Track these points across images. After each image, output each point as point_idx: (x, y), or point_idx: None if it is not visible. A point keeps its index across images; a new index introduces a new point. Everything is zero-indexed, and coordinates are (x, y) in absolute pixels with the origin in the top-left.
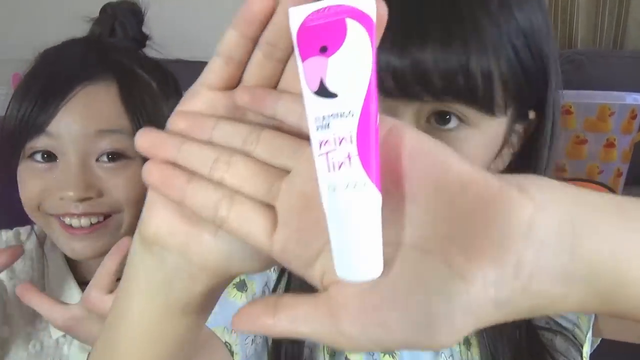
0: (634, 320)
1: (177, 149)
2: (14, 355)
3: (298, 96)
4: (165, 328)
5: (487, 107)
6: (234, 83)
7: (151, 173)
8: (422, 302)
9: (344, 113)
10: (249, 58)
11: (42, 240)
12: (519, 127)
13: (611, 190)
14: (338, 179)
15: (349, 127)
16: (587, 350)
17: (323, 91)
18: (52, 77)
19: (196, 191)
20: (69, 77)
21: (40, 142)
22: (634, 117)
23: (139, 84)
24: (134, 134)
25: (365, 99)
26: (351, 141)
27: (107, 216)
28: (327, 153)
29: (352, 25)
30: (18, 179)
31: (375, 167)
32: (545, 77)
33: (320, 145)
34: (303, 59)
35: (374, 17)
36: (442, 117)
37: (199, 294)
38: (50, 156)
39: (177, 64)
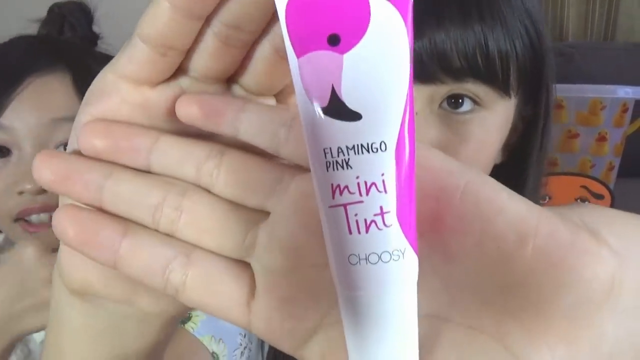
0: None
1: (99, 186)
2: None
3: (269, 107)
4: None
5: (505, 87)
6: (169, 75)
7: (64, 227)
8: None
9: (372, 145)
10: (192, 42)
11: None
12: (524, 112)
13: (603, 183)
14: (364, 246)
15: (381, 166)
16: None
17: (337, 108)
18: (1, 71)
19: (135, 250)
20: (18, 68)
21: None
22: (625, 110)
23: (93, 74)
24: None
25: (402, 123)
26: (385, 189)
27: None
28: (346, 205)
29: (378, 5)
30: None
31: (414, 225)
32: (542, 65)
33: (334, 192)
34: (299, 54)
35: None
36: (455, 101)
37: (152, 339)
38: (2, 152)
39: None
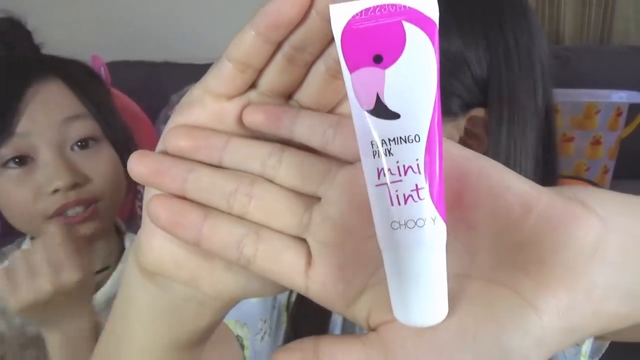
0: None
1: (183, 179)
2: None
3: (318, 113)
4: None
5: None
6: (243, 90)
7: (157, 213)
8: (495, 338)
9: (409, 137)
10: (268, 63)
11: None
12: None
13: (598, 186)
14: (403, 214)
15: (416, 153)
16: (586, 349)
17: (381, 110)
18: (0, 87)
19: (214, 229)
20: (17, 81)
21: (12, 147)
22: (619, 114)
23: (75, 74)
24: (94, 117)
25: (432, 120)
26: (419, 171)
27: (93, 203)
28: (388, 184)
29: (412, 30)
30: None
31: (443, 198)
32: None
33: (379, 174)
34: (351, 70)
35: (436, 20)
36: None
37: (207, 321)
38: (22, 160)
39: (164, 66)
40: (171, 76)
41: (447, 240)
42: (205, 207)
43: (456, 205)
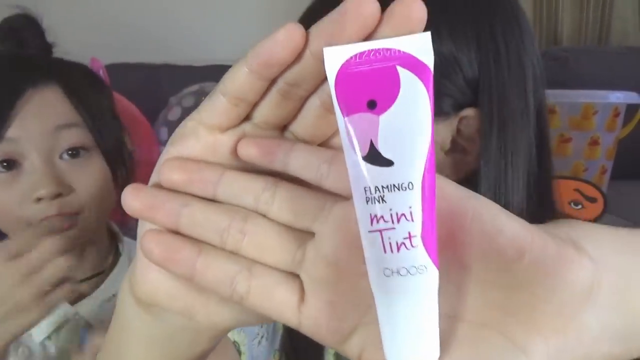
0: None
1: (177, 213)
2: None
3: (312, 148)
4: None
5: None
6: (238, 123)
7: (150, 248)
8: None
9: (402, 185)
10: (261, 97)
11: None
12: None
13: (595, 186)
14: (396, 262)
15: (409, 201)
16: None
17: (375, 157)
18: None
19: (207, 265)
20: (17, 83)
21: (0, 151)
22: (616, 115)
23: (76, 80)
24: (87, 127)
25: (425, 166)
26: (412, 218)
27: (74, 215)
28: (381, 231)
29: (406, 76)
30: None
31: (436, 245)
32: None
33: (372, 221)
34: (345, 115)
35: (431, 66)
36: None
37: (202, 348)
38: (9, 164)
39: (163, 68)
40: (170, 78)
41: (440, 282)
42: (199, 242)
43: (449, 245)
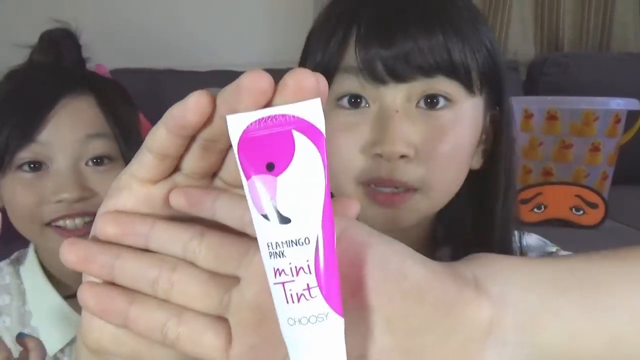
0: None
1: (111, 265)
2: None
3: (237, 196)
4: None
5: (469, 83)
6: (167, 175)
7: (86, 300)
8: None
9: (299, 240)
10: (185, 149)
11: (17, 266)
12: (492, 117)
13: (597, 192)
14: (298, 312)
15: (306, 255)
16: None
17: (274, 215)
18: (36, 92)
19: (139, 314)
20: (54, 90)
21: (29, 152)
22: (617, 121)
23: (109, 93)
24: (115, 138)
25: (322, 222)
26: (309, 271)
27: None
28: (283, 283)
29: (300, 139)
30: (2, 193)
31: (337, 294)
32: (500, 77)
33: (275, 273)
34: (247, 177)
35: (322, 129)
36: (430, 101)
37: None
38: (36, 166)
39: (165, 73)
40: (173, 83)
41: (348, 324)
42: (132, 291)
43: (356, 291)
